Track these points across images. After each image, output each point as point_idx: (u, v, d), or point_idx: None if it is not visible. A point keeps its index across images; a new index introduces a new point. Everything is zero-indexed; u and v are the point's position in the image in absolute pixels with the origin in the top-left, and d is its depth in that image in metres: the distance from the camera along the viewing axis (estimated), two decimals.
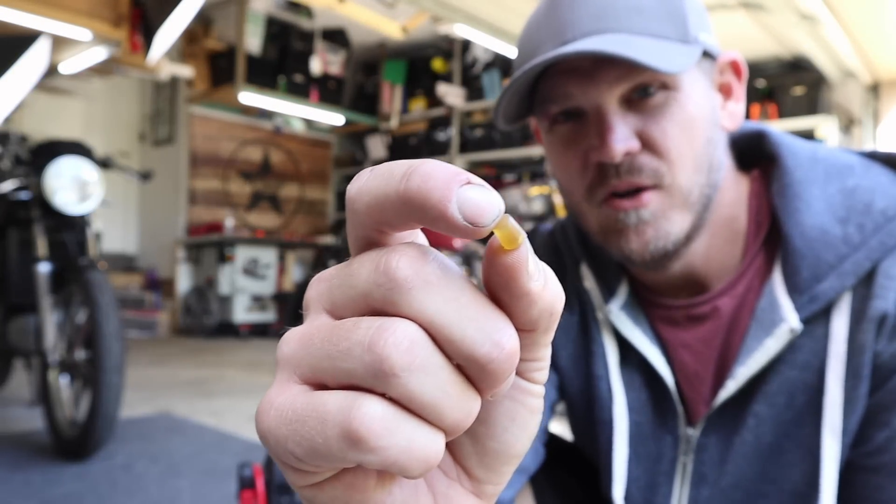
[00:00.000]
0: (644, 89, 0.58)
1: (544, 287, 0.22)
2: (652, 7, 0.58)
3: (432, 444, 0.21)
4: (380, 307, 0.22)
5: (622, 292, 0.70)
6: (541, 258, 0.76)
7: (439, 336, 0.21)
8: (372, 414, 0.20)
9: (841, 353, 0.57)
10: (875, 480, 0.55)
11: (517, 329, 0.22)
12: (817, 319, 0.59)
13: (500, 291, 0.22)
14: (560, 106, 0.61)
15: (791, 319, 0.58)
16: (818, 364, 0.59)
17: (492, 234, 0.21)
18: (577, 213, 0.65)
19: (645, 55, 0.54)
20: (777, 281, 0.61)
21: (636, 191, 0.59)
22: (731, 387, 0.61)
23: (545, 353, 0.24)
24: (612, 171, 0.59)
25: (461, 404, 0.22)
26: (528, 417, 0.25)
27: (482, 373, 0.21)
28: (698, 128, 0.60)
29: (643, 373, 0.68)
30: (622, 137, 0.58)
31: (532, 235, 0.81)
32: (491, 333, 0.21)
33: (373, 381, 0.21)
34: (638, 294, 0.71)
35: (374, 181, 0.22)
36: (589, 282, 0.72)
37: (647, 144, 0.59)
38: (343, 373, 0.21)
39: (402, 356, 0.20)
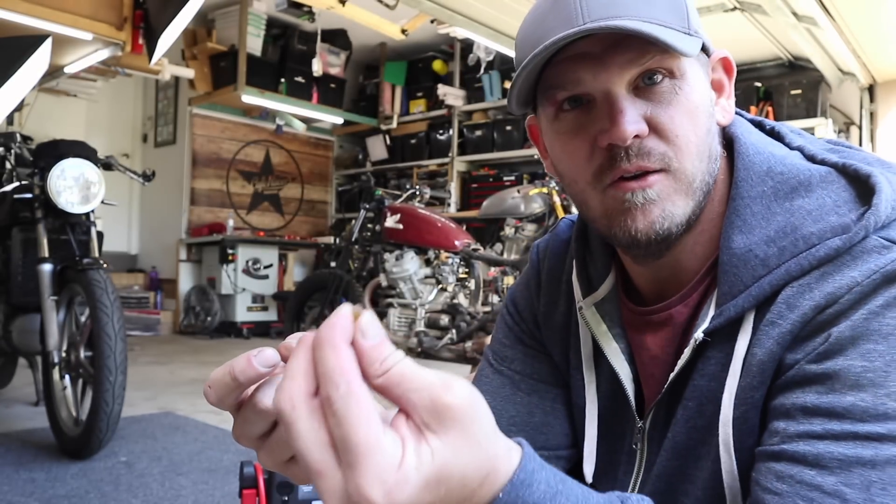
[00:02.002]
0: (650, 76, 0.60)
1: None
2: None
3: None
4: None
5: (604, 289, 0.72)
6: (545, 252, 0.82)
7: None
8: None
9: (736, 372, 0.59)
10: None
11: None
12: (726, 335, 0.61)
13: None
14: (569, 91, 0.61)
15: (699, 330, 0.61)
16: (722, 377, 0.60)
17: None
18: (580, 203, 0.66)
19: (664, 35, 0.56)
20: (717, 293, 0.62)
21: (643, 174, 0.60)
22: (664, 388, 0.66)
23: None
24: (621, 155, 0.60)
25: None
26: None
27: None
28: (700, 116, 0.61)
29: (609, 366, 0.71)
30: (633, 120, 0.59)
31: (555, 224, 0.86)
32: None
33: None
34: (619, 293, 0.74)
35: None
36: (574, 276, 0.76)
37: (655, 129, 0.60)
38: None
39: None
